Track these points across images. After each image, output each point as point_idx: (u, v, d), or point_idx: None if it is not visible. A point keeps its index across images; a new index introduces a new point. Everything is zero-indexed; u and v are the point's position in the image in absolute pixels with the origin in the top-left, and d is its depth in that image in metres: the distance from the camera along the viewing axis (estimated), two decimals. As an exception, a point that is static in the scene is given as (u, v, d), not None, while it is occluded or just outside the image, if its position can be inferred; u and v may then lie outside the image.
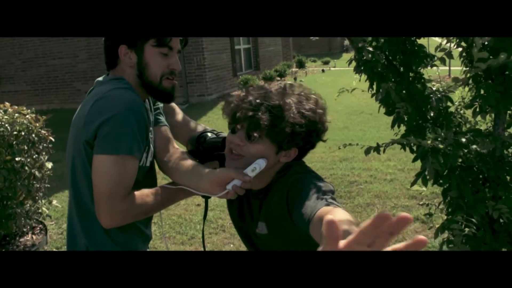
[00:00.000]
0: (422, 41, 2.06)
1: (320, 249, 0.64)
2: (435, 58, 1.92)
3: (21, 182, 3.49)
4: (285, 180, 1.32)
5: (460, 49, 1.96)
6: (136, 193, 1.33)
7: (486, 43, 1.80)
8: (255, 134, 1.28)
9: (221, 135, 1.54)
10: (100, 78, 1.49)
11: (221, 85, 12.50)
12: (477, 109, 1.90)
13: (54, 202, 4.03)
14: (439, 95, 1.90)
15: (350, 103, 9.86)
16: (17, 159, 3.42)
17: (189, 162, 1.42)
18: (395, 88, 1.86)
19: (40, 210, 3.86)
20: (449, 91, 1.93)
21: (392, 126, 2.00)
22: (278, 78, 14.44)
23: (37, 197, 3.74)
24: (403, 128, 2.01)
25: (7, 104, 3.69)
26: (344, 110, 9.39)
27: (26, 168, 3.51)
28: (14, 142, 3.47)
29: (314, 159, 6.02)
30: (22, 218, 3.59)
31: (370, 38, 1.98)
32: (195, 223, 4.30)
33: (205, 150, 1.50)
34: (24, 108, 3.71)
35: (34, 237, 3.92)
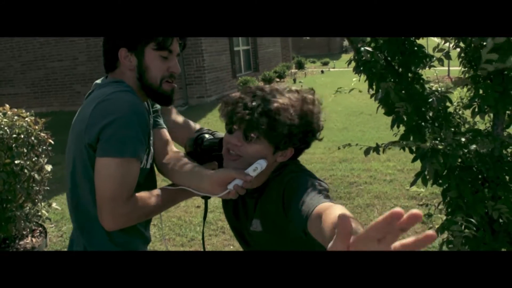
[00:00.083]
0: (421, 41, 2.06)
1: (331, 244, 0.65)
2: (434, 58, 1.92)
3: (20, 185, 3.49)
4: (280, 179, 1.33)
5: (458, 49, 1.96)
6: (138, 195, 1.33)
7: (484, 43, 1.80)
8: (252, 135, 1.29)
9: (217, 135, 1.55)
10: (99, 81, 1.49)
11: (220, 86, 12.50)
12: (476, 109, 1.90)
13: (54, 204, 4.02)
14: (438, 96, 1.90)
15: (349, 104, 9.87)
16: (16, 162, 3.41)
17: (188, 163, 1.43)
18: (394, 87, 1.86)
19: (39, 213, 3.86)
20: (448, 92, 1.93)
21: (392, 127, 2.00)
22: (278, 80, 14.45)
23: (36, 200, 3.73)
24: (402, 128, 2.01)
25: (6, 106, 3.69)
26: (344, 110, 9.39)
27: (26, 171, 3.51)
28: (14, 145, 3.47)
29: (314, 160, 6.02)
30: (22, 221, 3.58)
31: (369, 39, 1.98)
32: (195, 225, 4.30)
33: (203, 151, 1.51)
34: (24, 110, 3.71)
35: (33, 240, 3.91)
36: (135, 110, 1.31)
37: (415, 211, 0.56)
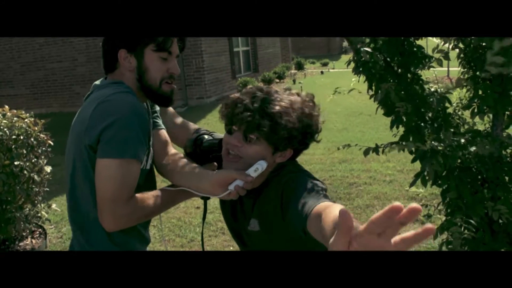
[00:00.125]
0: (420, 42, 2.06)
1: (332, 239, 0.66)
2: (433, 59, 1.92)
3: (20, 186, 3.48)
4: (279, 179, 1.34)
5: (457, 50, 1.96)
6: (138, 196, 1.34)
7: (484, 43, 1.80)
8: (252, 136, 1.30)
9: (216, 136, 1.56)
10: (98, 82, 1.49)
11: (220, 87, 12.50)
12: (475, 110, 1.91)
13: (54, 206, 4.02)
14: (437, 96, 1.91)
15: (349, 105, 9.87)
16: (16, 163, 3.41)
17: (188, 164, 1.43)
18: (394, 88, 1.86)
19: (39, 214, 3.85)
20: (447, 92, 1.93)
21: (391, 127, 2.01)
22: (277, 80, 14.45)
23: (36, 201, 3.73)
24: (401, 129, 2.01)
25: (6, 108, 3.68)
26: (343, 111, 9.39)
27: (25, 172, 3.51)
28: (13, 146, 3.47)
29: (314, 160, 6.02)
30: (21, 222, 3.58)
31: (368, 39, 1.98)
32: (194, 226, 4.30)
33: (203, 152, 1.52)
34: (23, 112, 3.71)
35: (33, 241, 3.91)
36: (135, 111, 1.32)
37: (414, 205, 0.57)
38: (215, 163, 1.50)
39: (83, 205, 1.39)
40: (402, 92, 1.93)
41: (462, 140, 1.76)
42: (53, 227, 4.48)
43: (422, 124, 1.96)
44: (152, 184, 1.53)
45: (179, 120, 1.70)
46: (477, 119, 2.04)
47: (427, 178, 1.85)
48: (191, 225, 4.33)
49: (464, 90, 2.11)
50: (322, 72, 17.92)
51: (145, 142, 1.35)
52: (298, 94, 1.39)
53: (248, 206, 1.43)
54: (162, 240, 3.89)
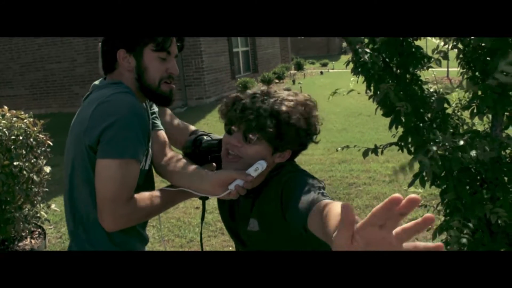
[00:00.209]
0: (419, 42, 2.07)
1: (336, 233, 0.68)
2: (432, 59, 1.92)
3: (19, 187, 3.48)
4: (278, 179, 1.34)
5: (456, 50, 1.96)
6: (138, 196, 1.34)
7: (483, 44, 1.80)
8: (251, 136, 1.30)
9: (214, 137, 1.56)
10: (97, 82, 1.49)
11: (219, 87, 12.50)
12: (475, 110, 1.91)
13: (53, 206, 4.02)
14: (436, 97, 1.91)
15: (348, 105, 9.87)
16: (15, 163, 3.41)
17: (188, 165, 1.44)
18: (393, 88, 1.86)
19: (38, 214, 3.85)
20: (447, 93, 1.93)
21: (390, 128, 2.01)
22: (277, 81, 14.45)
23: (35, 201, 3.73)
24: (400, 129, 2.01)
25: (5, 108, 3.68)
26: (343, 112, 9.40)
27: (24, 172, 3.50)
28: (12, 147, 3.46)
29: (313, 161, 6.02)
30: (21, 223, 3.58)
31: (367, 40, 1.98)
32: (194, 226, 4.30)
33: (202, 152, 1.52)
34: (22, 112, 3.71)
35: (32, 241, 3.91)
36: (135, 112, 1.32)
37: (413, 195, 0.59)
38: (214, 164, 1.50)
39: (82, 206, 1.39)
40: (401, 93, 1.93)
41: (461, 142, 1.76)
42: (52, 227, 4.48)
43: (421, 124, 1.96)
44: (151, 185, 1.53)
45: (177, 121, 1.70)
46: (476, 119, 2.05)
47: (425, 178, 1.85)
48: (190, 225, 4.32)
49: (464, 90, 2.11)
50: (321, 73, 17.93)
51: (144, 143, 1.36)
52: (296, 94, 1.39)
53: (247, 206, 1.43)
54: (162, 240, 3.89)
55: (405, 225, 0.62)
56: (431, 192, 4.34)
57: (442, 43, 1.97)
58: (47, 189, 3.88)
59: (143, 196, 1.36)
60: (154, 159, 1.50)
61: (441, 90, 1.98)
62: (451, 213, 1.98)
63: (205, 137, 1.56)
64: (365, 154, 1.95)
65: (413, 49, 1.96)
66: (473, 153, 1.72)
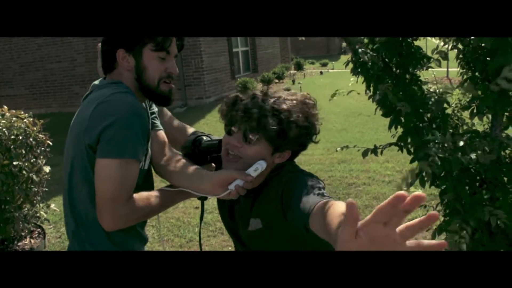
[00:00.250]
0: (419, 43, 2.07)
1: (340, 230, 0.68)
2: (432, 59, 1.92)
3: (19, 186, 3.48)
4: (279, 179, 1.35)
5: (456, 50, 1.96)
6: (137, 196, 1.34)
7: (483, 44, 1.80)
8: (251, 137, 1.30)
9: (213, 137, 1.56)
10: (97, 82, 1.49)
11: (219, 87, 12.50)
12: (475, 111, 1.91)
13: (52, 206, 4.02)
14: (436, 97, 1.91)
15: (348, 105, 9.87)
16: (14, 163, 3.41)
17: (187, 165, 1.44)
18: (392, 89, 1.86)
19: (38, 214, 3.85)
20: (446, 93, 1.93)
21: (389, 128, 2.01)
22: (276, 81, 14.45)
23: (35, 201, 3.73)
24: (400, 129, 2.01)
25: (4, 108, 3.68)
26: (342, 112, 9.40)
27: (24, 172, 3.50)
28: (12, 146, 3.46)
29: (313, 161, 6.02)
30: (20, 222, 3.58)
31: (366, 40, 1.98)
32: (193, 226, 4.30)
33: (201, 153, 1.52)
34: (22, 112, 3.71)
35: (32, 241, 3.91)
36: (135, 112, 1.32)
37: (417, 193, 0.60)
38: (213, 164, 1.50)
39: (81, 205, 1.39)
40: (401, 93, 1.93)
41: (461, 143, 1.76)
42: (51, 227, 4.48)
43: (421, 125, 1.96)
44: (150, 184, 1.54)
45: (176, 122, 1.71)
46: (476, 119, 2.05)
47: (425, 179, 1.85)
48: (190, 225, 4.32)
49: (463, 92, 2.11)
50: (321, 73, 17.93)
51: (144, 142, 1.36)
52: (296, 94, 1.39)
53: (247, 206, 1.43)
54: (161, 240, 3.89)
55: (409, 223, 0.63)
56: (431, 192, 4.34)
57: (442, 43, 1.97)
58: (46, 189, 3.88)
59: (143, 196, 1.36)
60: (153, 159, 1.50)
61: (440, 90, 1.97)
62: (450, 213, 1.98)
63: (204, 137, 1.56)
64: (364, 154, 1.95)
65: (413, 49, 1.96)
66: (473, 155, 1.72)
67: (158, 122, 1.58)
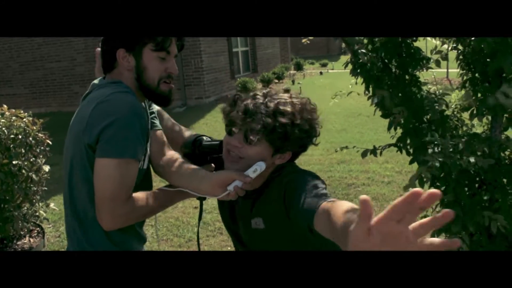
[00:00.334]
0: (419, 44, 2.07)
1: (353, 226, 0.68)
2: (431, 60, 1.92)
3: (18, 185, 3.48)
4: (280, 179, 1.35)
5: (456, 51, 1.96)
6: (136, 195, 1.34)
7: (482, 45, 1.80)
8: (252, 137, 1.30)
9: (213, 139, 1.57)
10: (96, 81, 1.49)
11: (219, 87, 12.50)
12: (474, 112, 1.91)
13: (52, 205, 4.02)
14: (435, 98, 1.91)
15: (348, 106, 9.87)
16: (14, 162, 3.41)
17: (187, 165, 1.44)
18: (389, 95, 1.86)
19: (37, 213, 3.85)
20: (446, 94, 1.93)
21: (389, 129, 2.01)
22: (276, 81, 14.45)
23: (34, 200, 3.73)
24: (399, 130, 2.01)
25: (4, 107, 3.68)
26: (342, 112, 9.40)
27: (23, 171, 3.50)
28: (11, 146, 3.46)
29: (312, 161, 6.02)
30: (20, 221, 3.58)
31: (366, 41, 1.98)
32: (192, 226, 4.30)
33: (201, 153, 1.52)
34: (22, 111, 3.71)
35: (31, 240, 3.91)
36: (135, 111, 1.32)
37: (434, 190, 0.59)
38: (213, 165, 1.50)
39: (81, 204, 1.39)
40: (400, 95, 1.93)
41: (460, 146, 1.76)
42: (51, 226, 4.48)
43: (420, 126, 1.96)
44: (149, 184, 1.54)
45: (174, 124, 1.71)
46: (475, 121, 2.05)
47: (424, 180, 1.85)
48: (189, 225, 4.32)
49: (463, 91, 2.11)
50: (321, 73, 17.94)
51: (143, 142, 1.36)
52: (297, 96, 1.39)
53: (247, 207, 1.43)
54: (157, 240, 3.89)
55: (422, 220, 0.63)
56: (430, 193, 4.34)
57: (441, 44, 1.97)
58: (46, 188, 3.88)
59: (142, 196, 1.36)
60: (153, 159, 1.50)
61: (440, 91, 1.98)
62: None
63: (205, 138, 1.56)
64: (364, 154, 1.95)
65: (412, 50, 1.96)
66: (472, 159, 1.72)
67: (157, 122, 1.58)
